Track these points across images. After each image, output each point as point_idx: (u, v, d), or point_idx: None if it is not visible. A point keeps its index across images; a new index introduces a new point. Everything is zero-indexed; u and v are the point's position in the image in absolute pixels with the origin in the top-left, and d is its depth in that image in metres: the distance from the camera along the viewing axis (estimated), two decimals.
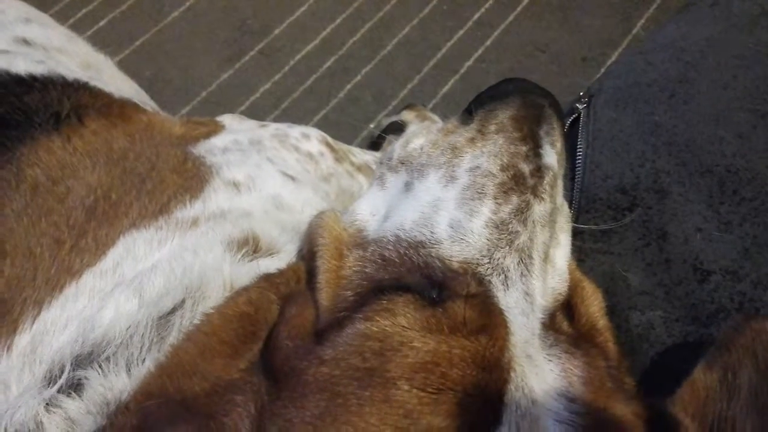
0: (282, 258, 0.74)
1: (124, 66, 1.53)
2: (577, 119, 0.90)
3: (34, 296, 0.67)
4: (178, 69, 1.54)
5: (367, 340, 0.49)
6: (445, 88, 1.49)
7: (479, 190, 0.62)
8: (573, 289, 0.65)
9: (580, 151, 0.84)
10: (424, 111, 1.32)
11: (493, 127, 0.66)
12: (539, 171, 0.63)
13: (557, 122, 0.67)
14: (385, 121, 1.36)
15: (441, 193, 0.63)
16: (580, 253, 0.74)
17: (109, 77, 1.11)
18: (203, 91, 1.49)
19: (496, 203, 0.61)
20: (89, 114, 0.88)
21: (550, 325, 0.58)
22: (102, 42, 1.54)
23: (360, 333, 0.50)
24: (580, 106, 0.90)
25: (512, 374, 0.50)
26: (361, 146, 1.41)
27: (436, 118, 1.31)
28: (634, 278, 0.72)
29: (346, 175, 1.02)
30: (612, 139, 0.82)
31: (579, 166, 0.83)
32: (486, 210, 0.61)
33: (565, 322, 0.61)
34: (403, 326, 0.49)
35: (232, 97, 1.49)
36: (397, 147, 0.70)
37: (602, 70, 1.47)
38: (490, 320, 0.52)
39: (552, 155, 0.64)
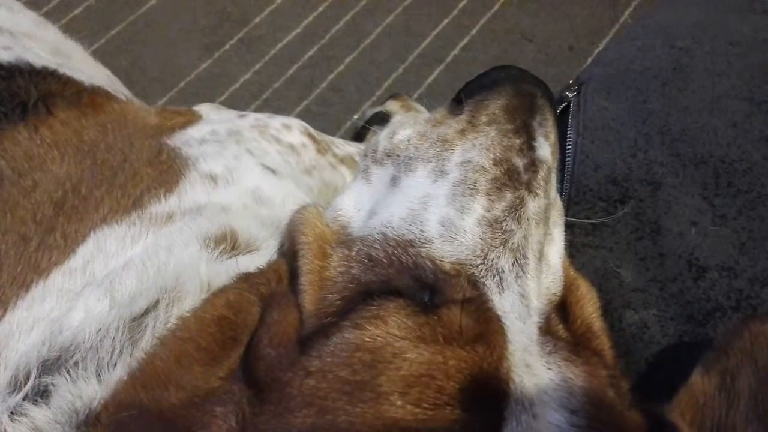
0: (262, 255, 0.71)
1: (100, 55, 1.48)
2: (566, 108, 0.87)
3: None
4: (155, 58, 1.49)
5: (356, 350, 0.46)
6: (430, 78, 1.46)
7: (471, 186, 0.58)
8: (567, 288, 0.62)
9: (570, 141, 0.81)
10: (409, 101, 1.29)
11: (484, 119, 0.62)
12: (533, 165, 0.60)
13: (550, 112, 0.64)
14: (369, 112, 1.33)
15: (430, 189, 0.60)
16: (570, 248, 0.71)
17: (80, 64, 1.07)
18: (181, 81, 1.45)
19: (489, 200, 0.58)
20: (58, 103, 0.84)
21: (546, 329, 0.55)
22: (77, 30, 1.49)
23: (349, 343, 0.47)
24: (569, 95, 0.87)
25: (511, 386, 0.47)
26: (344, 138, 1.38)
27: (421, 108, 1.28)
28: (627, 274, 0.69)
29: (329, 168, 0.98)
30: (603, 128, 0.80)
31: (569, 156, 0.80)
32: (478, 207, 0.57)
33: (560, 325, 0.58)
34: (396, 336, 0.46)
35: (211, 87, 1.44)
36: (382, 138, 0.67)
37: (589, 59, 1.44)
38: (487, 327, 0.49)
39: (546, 148, 0.61)
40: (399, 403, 0.43)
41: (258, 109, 1.41)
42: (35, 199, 0.71)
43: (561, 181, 0.77)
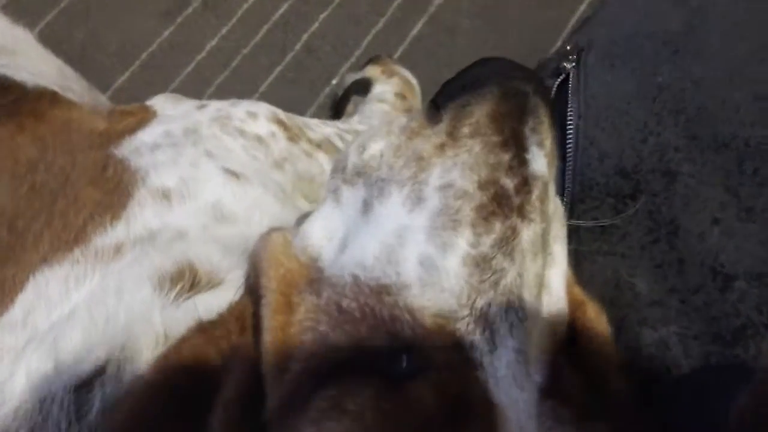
0: (226, 288, 0.62)
1: (52, 30, 1.36)
2: (565, 81, 0.76)
3: None
4: (112, 29, 1.37)
5: None
6: (414, 31, 1.34)
7: (453, 217, 0.49)
8: (572, 313, 0.54)
9: (570, 124, 0.71)
10: (390, 64, 1.18)
11: (466, 130, 0.52)
12: (526, 184, 0.50)
13: (544, 112, 0.53)
14: (349, 78, 1.21)
15: (407, 219, 0.50)
16: (576, 257, 0.62)
17: (27, 59, 0.96)
18: (143, 53, 1.33)
19: (475, 233, 0.48)
20: None
21: (548, 387, 0.46)
22: (25, 3, 1.37)
23: None
24: (568, 66, 0.76)
25: None
26: (324, 105, 1.27)
27: (405, 72, 1.16)
28: (643, 284, 0.61)
29: (304, 157, 0.89)
30: (608, 108, 0.70)
31: (570, 143, 0.70)
32: (463, 242, 0.48)
33: (565, 370, 0.50)
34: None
35: (175, 57, 1.32)
36: (351, 153, 0.57)
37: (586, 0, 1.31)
38: (473, 410, 0.40)
39: (540, 159, 0.51)
40: None
41: (227, 79, 1.30)
42: None
43: (563, 174, 0.68)
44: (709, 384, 0.56)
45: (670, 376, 0.57)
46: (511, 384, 0.44)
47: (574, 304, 0.55)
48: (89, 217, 0.65)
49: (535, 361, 0.47)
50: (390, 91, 1.12)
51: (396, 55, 1.29)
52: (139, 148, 0.75)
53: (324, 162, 0.90)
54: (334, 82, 1.28)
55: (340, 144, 0.94)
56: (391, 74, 1.15)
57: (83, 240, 0.64)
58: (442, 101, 0.54)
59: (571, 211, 0.66)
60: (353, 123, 1.05)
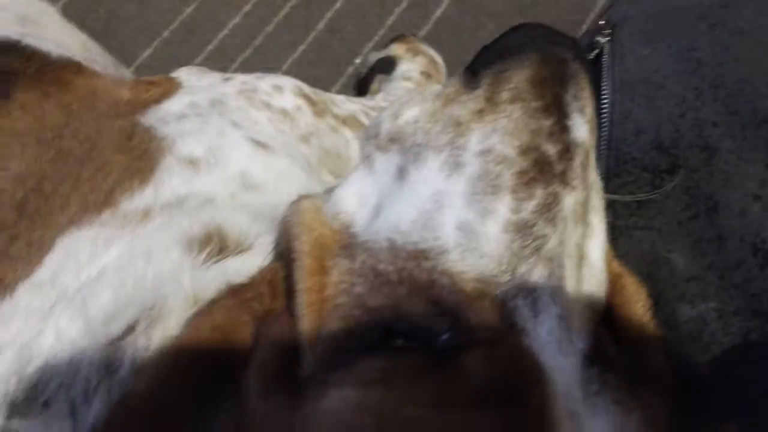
0: (255, 254, 0.62)
1: (75, 5, 1.35)
2: (598, 56, 0.75)
3: None
4: (136, 4, 1.36)
5: (359, 414, 0.37)
6: (439, 11, 1.32)
7: (493, 182, 0.48)
8: (612, 286, 0.53)
9: (605, 98, 0.70)
10: (415, 43, 1.16)
11: (506, 95, 0.51)
12: (568, 151, 0.49)
13: (585, 79, 0.52)
14: (372, 57, 1.20)
15: (444, 185, 0.49)
16: (612, 231, 0.61)
17: (49, 31, 0.95)
18: (165, 30, 1.32)
19: (516, 199, 0.47)
20: (18, 82, 0.74)
21: (591, 355, 0.45)
22: None
23: (350, 405, 0.38)
24: (602, 40, 0.75)
25: None
26: (347, 85, 1.26)
27: (430, 51, 1.15)
28: (680, 260, 0.59)
29: (329, 131, 0.88)
30: (644, 82, 0.68)
31: (605, 117, 0.69)
32: (503, 208, 0.47)
33: (607, 339, 0.49)
34: (405, 402, 0.37)
35: (198, 35, 1.32)
36: (385, 119, 0.56)
37: None
38: (521, 379, 0.39)
39: (582, 126, 0.50)
40: None
41: (250, 57, 1.29)
42: None
43: (597, 147, 0.67)
44: (748, 361, 0.55)
45: (709, 352, 0.56)
46: (555, 350, 0.43)
47: (612, 278, 0.54)
48: (117, 182, 0.65)
49: (577, 329, 0.46)
50: (415, 70, 1.10)
51: (420, 35, 1.28)
52: (165, 117, 0.74)
53: (350, 138, 0.89)
54: (357, 61, 1.27)
55: (365, 121, 0.93)
56: (416, 52, 1.13)
57: (111, 204, 0.63)
58: (479, 67, 0.53)
59: (606, 186, 0.64)
60: (378, 101, 1.04)
